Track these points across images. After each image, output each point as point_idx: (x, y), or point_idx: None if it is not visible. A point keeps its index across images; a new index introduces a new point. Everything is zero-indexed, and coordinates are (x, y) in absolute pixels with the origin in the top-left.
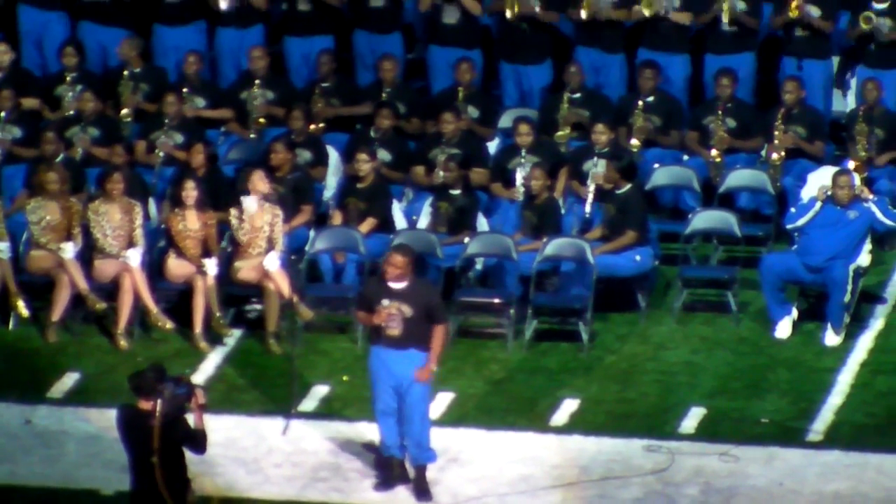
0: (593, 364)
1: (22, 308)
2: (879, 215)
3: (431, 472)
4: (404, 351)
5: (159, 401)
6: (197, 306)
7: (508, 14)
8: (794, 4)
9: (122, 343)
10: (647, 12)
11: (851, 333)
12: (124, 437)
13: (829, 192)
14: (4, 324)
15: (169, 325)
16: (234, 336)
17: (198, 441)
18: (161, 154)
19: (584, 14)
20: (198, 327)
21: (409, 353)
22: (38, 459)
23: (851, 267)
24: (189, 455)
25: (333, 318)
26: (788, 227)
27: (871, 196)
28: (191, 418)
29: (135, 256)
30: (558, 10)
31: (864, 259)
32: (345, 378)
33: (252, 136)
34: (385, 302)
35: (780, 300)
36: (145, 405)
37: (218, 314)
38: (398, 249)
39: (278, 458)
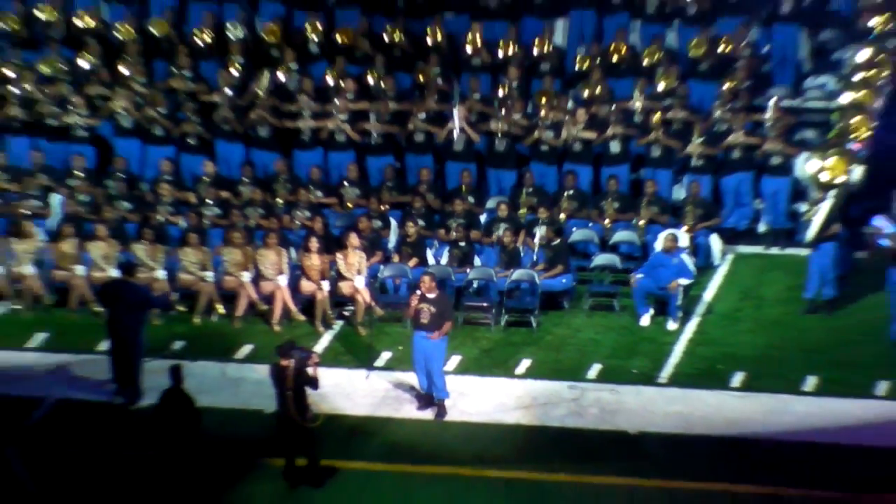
0: (539, 340)
1: (220, 308)
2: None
3: (449, 402)
4: (429, 332)
5: (292, 360)
6: (318, 308)
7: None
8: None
9: (277, 328)
10: (571, 133)
11: (683, 323)
12: (273, 380)
13: (639, 277)
14: (210, 317)
15: (302, 318)
16: (338, 325)
17: (314, 384)
18: (297, 223)
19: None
20: (318, 320)
21: (431, 335)
22: (228, 394)
23: (682, 284)
24: (310, 391)
25: (394, 314)
26: (637, 275)
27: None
28: (310, 370)
29: (283, 280)
30: (520, 140)
31: (687, 277)
32: (400, 348)
33: (346, 212)
34: (417, 292)
35: (643, 304)
36: (284, 363)
37: (329, 312)
38: (426, 273)
39: (364, 392)
